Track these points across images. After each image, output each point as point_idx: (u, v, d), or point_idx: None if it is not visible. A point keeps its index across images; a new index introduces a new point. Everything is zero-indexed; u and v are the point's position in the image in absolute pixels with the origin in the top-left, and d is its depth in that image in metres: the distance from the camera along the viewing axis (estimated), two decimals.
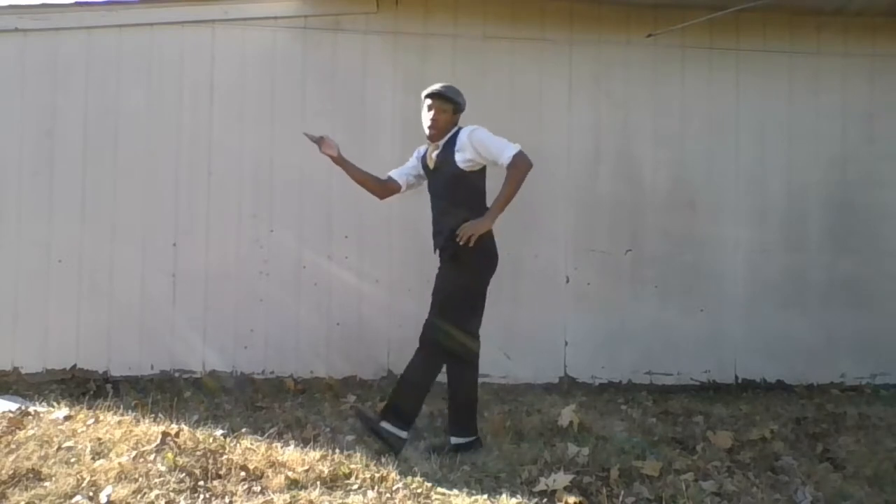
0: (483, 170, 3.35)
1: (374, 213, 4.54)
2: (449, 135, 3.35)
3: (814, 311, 4.91)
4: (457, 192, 3.31)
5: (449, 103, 3.33)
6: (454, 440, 3.35)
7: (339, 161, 3.48)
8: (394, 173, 3.59)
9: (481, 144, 3.23)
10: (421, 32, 4.70)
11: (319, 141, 3.48)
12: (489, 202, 3.32)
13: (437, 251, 3.41)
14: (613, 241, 4.80)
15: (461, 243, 3.17)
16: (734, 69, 4.91)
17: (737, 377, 4.86)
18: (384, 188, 3.58)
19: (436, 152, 3.38)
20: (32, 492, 2.75)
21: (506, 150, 3.20)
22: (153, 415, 3.66)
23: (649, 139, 4.85)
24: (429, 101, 3.36)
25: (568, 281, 4.76)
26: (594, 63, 4.82)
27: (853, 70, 4.99)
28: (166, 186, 4.53)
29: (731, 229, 4.88)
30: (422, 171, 3.54)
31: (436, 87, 3.36)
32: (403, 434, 3.28)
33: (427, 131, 3.38)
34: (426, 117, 3.37)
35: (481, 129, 3.28)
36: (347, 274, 4.60)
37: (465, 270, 3.27)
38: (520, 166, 3.19)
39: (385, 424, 3.26)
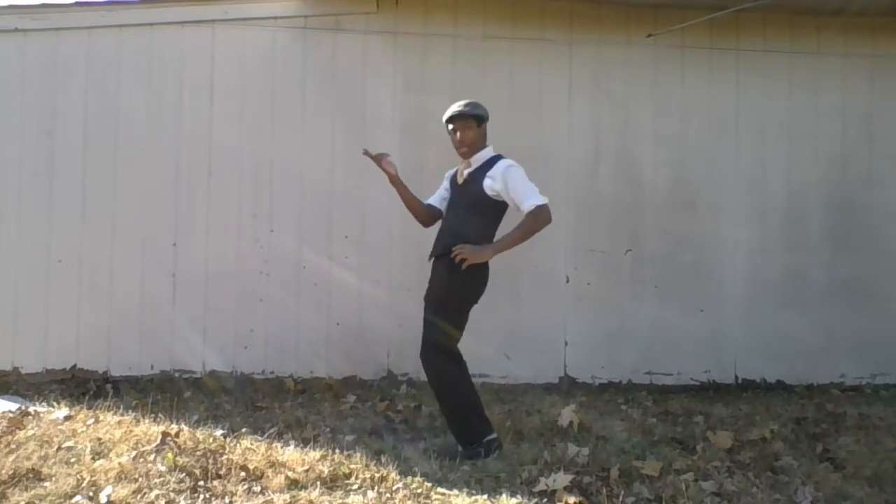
0: (505, 203, 3.33)
1: (374, 213, 4.56)
2: (487, 157, 3.36)
3: (814, 311, 4.91)
4: (473, 213, 3.31)
5: (471, 119, 3.32)
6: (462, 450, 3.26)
7: (395, 181, 3.48)
8: (433, 200, 3.59)
9: (512, 183, 3.22)
10: (421, 32, 4.70)
11: (379, 157, 3.46)
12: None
13: (432, 259, 3.42)
14: (613, 241, 4.80)
15: (454, 259, 3.18)
16: (734, 69, 4.91)
17: (737, 377, 4.86)
18: (430, 215, 3.57)
19: (468, 170, 3.39)
20: (32, 492, 2.75)
21: (532, 199, 3.19)
22: (153, 415, 3.67)
23: (649, 139, 4.85)
24: (451, 126, 3.36)
25: (568, 281, 4.76)
26: (594, 63, 4.82)
27: (853, 70, 4.99)
28: (166, 186, 4.53)
29: (731, 229, 4.88)
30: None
31: (454, 108, 3.35)
32: (490, 436, 3.26)
33: (459, 151, 3.38)
34: (454, 140, 3.37)
35: (519, 168, 3.26)
36: (347, 274, 4.60)
37: (454, 283, 3.25)
38: (539, 218, 3.18)
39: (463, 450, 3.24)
